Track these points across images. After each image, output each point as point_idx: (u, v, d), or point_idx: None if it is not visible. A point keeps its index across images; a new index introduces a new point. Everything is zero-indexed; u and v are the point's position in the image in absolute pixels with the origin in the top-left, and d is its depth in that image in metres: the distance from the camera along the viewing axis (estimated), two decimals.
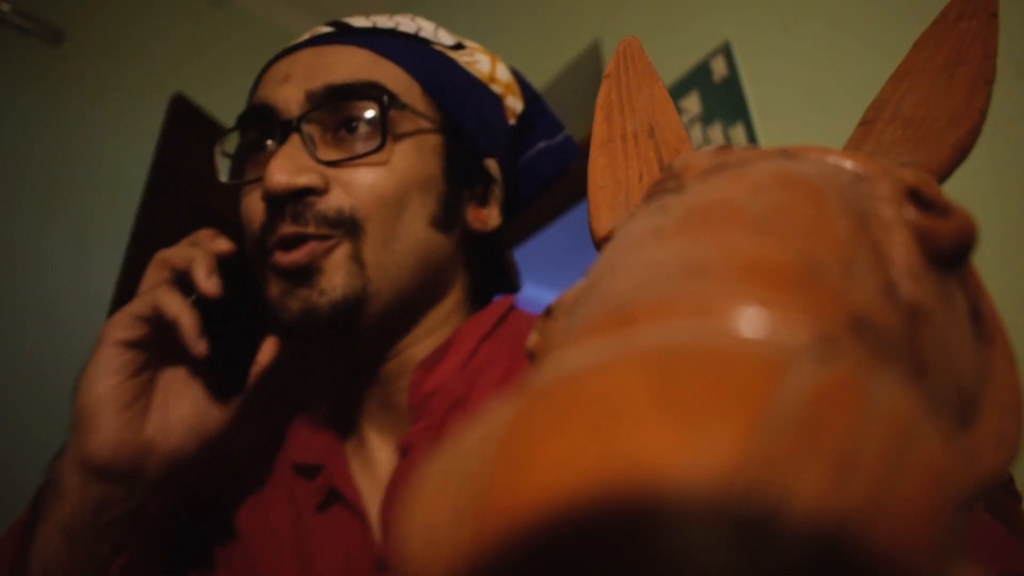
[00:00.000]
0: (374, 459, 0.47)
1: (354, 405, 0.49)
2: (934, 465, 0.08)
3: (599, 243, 0.20)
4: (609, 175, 0.22)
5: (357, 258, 0.43)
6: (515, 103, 0.55)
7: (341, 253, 0.43)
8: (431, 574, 0.08)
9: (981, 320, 0.15)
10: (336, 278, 0.42)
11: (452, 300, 0.50)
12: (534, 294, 2.73)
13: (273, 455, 0.50)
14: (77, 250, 1.71)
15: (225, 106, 1.81)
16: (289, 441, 0.50)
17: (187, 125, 1.58)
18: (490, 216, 0.52)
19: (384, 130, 0.44)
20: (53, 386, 1.54)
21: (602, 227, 0.20)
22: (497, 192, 0.52)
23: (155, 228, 1.45)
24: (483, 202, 0.52)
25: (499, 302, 0.51)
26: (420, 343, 0.48)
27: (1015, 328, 0.21)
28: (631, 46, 0.26)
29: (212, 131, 1.62)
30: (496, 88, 0.53)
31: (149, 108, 1.78)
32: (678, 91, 1.27)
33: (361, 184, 0.44)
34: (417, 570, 0.09)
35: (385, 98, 0.44)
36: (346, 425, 0.50)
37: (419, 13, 0.58)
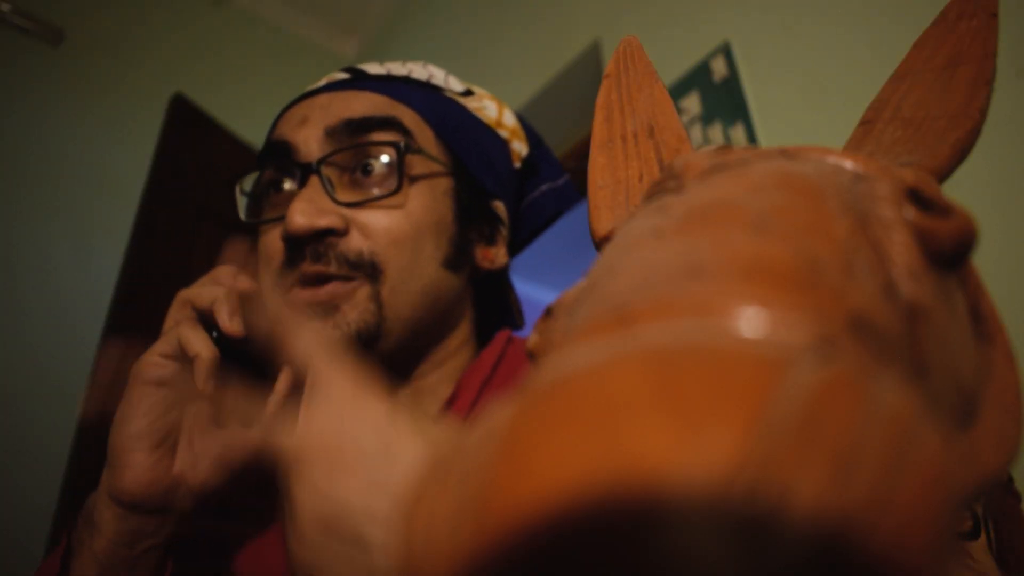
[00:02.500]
0: None
1: None
2: (934, 465, 0.08)
3: (599, 243, 0.20)
4: (609, 175, 0.22)
5: (376, 299, 0.45)
6: (520, 147, 0.57)
7: (362, 294, 0.45)
8: (432, 573, 0.08)
9: (981, 320, 0.15)
10: (352, 315, 0.44)
11: (460, 336, 0.52)
12: (534, 294, 2.73)
13: (274, 494, 0.50)
14: (77, 250, 1.71)
15: (225, 106, 1.81)
16: None
17: (187, 125, 1.58)
18: (497, 255, 0.54)
19: (401, 173, 0.46)
20: (54, 385, 1.55)
21: (602, 227, 0.20)
22: (504, 232, 0.55)
23: (155, 228, 1.45)
24: (491, 242, 0.54)
25: (496, 340, 0.52)
26: (427, 377, 0.49)
27: (1015, 328, 0.21)
28: (631, 46, 0.26)
29: (212, 130, 1.62)
30: (503, 133, 0.55)
31: (149, 108, 1.78)
32: (678, 91, 1.27)
33: (378, 227, 0.45)
34: (418, 569, 0.09)
35: (402, 142, 0.46)
36: None
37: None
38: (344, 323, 0.44)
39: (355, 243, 0.45)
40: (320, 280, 0.44)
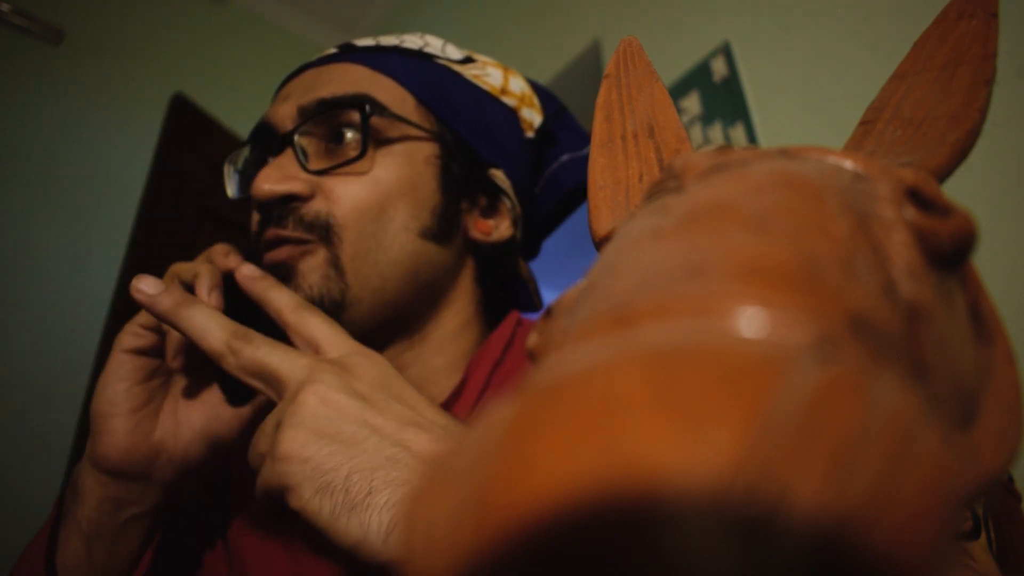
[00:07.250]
0: None
1: None
2: (934, 465, 0.08)
3: (599, 243, 0.20)
4: (609, 175, 0.22)
5: (335, 264, 0.44)
6: (532, 115, 0.55)
7: (317, 258, 0.44)
8: (431, 573, 0.08)
9: (981, 320, 0.15)
10: (311, 278, 0.44)
11: (460, 315, 0.50)
12: None
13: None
14: (77, 250, 1.71)
15: (225, 105, 1.81)
16: None
17: (187, 125, 1.58)
18: (497, 227, 0.52)
19: (365, 138, 0.45)
20: (53, 385, 1.55)
21: (602, 227, 0.20)
22: (508, 203, 0.52)
23: (155, 228, 1.45)
24: (488, 213, 0.52)
25: (505, 323, 0.50)
26: (429, 361, 0.48)
27: (1015, 328, 0.21)
28: (631, 46, 0.26)
29: (212, 130, 1.62)
30: (509, 100, 0.53)
31: (149, 108, 1.78)
32: (678, 91, 1.27)
33: (341, 193, 0.45)
34: (417, 569, 0.09)
35: (367, 107, 0.45)
36: None
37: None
38: (305, 286, 0.43)
39: (315, 206, 0.45)
40: (277, 243, 0.44)
